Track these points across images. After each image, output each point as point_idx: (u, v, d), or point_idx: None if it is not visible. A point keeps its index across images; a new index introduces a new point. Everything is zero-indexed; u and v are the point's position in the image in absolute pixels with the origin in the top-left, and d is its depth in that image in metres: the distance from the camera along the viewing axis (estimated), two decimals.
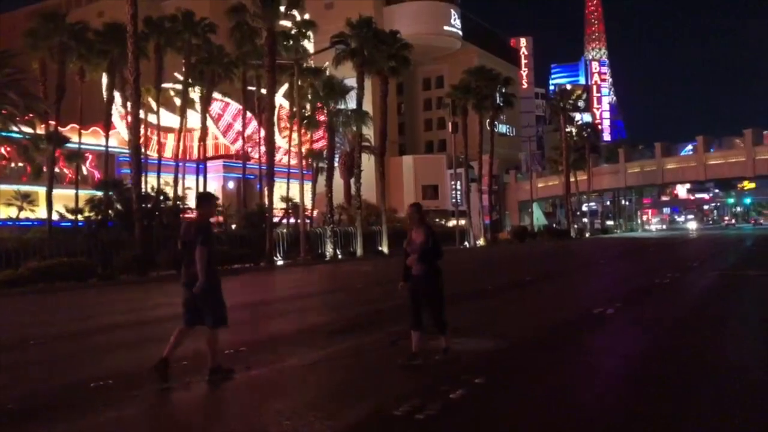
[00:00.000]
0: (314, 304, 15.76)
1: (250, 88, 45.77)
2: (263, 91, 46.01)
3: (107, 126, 39.17)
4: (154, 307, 16.24)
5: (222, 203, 45.72)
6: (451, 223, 60.39)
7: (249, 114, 48.31)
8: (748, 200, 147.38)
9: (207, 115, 44.59)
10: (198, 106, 44.86)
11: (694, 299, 14.48)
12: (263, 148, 48.07)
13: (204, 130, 43.67)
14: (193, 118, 45.98)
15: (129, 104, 38.42)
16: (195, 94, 44.42)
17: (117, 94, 39.74)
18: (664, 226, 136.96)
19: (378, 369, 7.95)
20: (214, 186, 49.06)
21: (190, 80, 40.94)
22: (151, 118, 42.68)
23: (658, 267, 23.89)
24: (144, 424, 6.04)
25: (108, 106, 38.20)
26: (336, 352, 9.01)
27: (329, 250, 36.02)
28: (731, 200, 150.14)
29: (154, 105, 41.53)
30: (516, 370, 7.67)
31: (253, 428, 5.94)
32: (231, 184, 52.30)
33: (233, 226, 40.73)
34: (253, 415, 6.27)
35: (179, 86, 44.39)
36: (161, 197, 35.11)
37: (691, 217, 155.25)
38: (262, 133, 49.06)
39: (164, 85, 42.43)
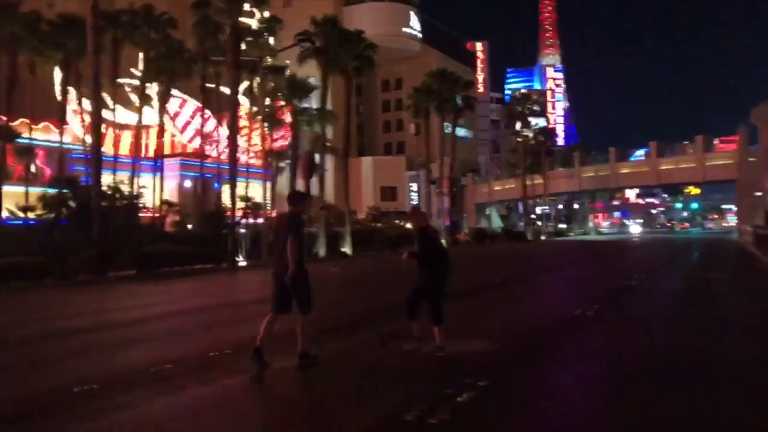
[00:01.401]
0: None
1: (208, 85, 44.88)
2: (222, 88, 45.22)
3: (61, 121, 37.87)
4: (119, 309, 15.62)
5: (179, 202, 44.81)
6: (410, 225, 60.42)
7: (207, 112, 47.35)
8: (695, 205, 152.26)
9: (165, 112, 43.54)
10: (155, 102, 43.76)
11: (666, 300, 14.72)
12: (222, 147, 47.26)
13: (161, 127, 42.62)
14: (149, 115, 44.86)
15: (84, 99, 37.37)
16: (152, 90, 43.32)
17: (70, 89, 38.46)
18: (616, 230, 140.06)
19: (374, 371, 7.77)
20: (171, 185, 47.92)
21: (147, 76, 39.87)
22: (106, 115, 41.43)
23: (622, 270, 24.31)
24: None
25: (62, 101, 36.90)
26: (326, 355, 8.74)
27: None
28: (679, 205, 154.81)
29: (109, 101, 40.32)
30: (516, 373, 7.55)
31: None
32: (188, 183, 51.16)
33: (189, 226, 39.86)
34: (255, 421, 5.98)
35: (136, 82, 43.21)
36: (117, 195, 34.10)
37: (639, 221, 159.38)
38: (221, 131, 48.25)
39: (120, 80, 41.23)
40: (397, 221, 58.49)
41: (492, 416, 5.84)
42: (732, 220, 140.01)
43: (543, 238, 76.73)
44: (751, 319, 11.60)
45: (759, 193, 57.29)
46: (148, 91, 41.53)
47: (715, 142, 70.73)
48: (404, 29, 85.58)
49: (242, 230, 36.11)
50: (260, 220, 45.17)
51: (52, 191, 33.09)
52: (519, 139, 78.46)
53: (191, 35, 38.43)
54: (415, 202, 65.23)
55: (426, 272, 8.29)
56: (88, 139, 34.40)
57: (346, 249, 39.02)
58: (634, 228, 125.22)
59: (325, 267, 29.74)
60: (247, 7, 34.39)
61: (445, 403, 5.99)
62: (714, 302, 14.44)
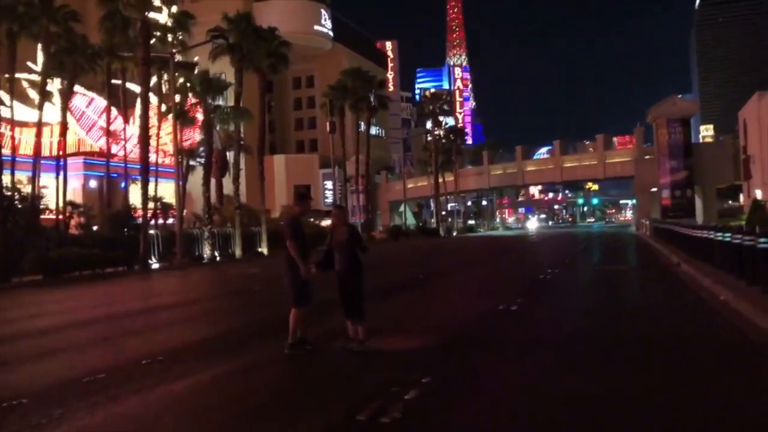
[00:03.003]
0: (218, 308, 15.08)
1: (114, 81, 43.17)
2: (129, 85, 43.61)
3: None
4: (32, 317, 14.79)
5: (84, 203, 42.86)
6: (325, 222, 60.27)
7: (114, 110, 45.50)
8: (596, 200, 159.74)
9: (68, 110, 41.47)
10: (57, 99, 41.64)
11: (580, 292, 15.52)
12: (129, 145, 45.58)
13: (64, 125, 40.56)
14: (51, 112, 42.65)
15: None
16: (53, 86, 41.19)
17: None
18: (520, 225, 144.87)
19: (315, 372, 7.78)
20: (75, 185, 45.84)
21: (48, 71, 37.83)
22: (3, 112, 39.11)
23: (535, 264, 25.14)
24: None
25: None
26: (264, 357, 8.66)
27: (207, 252, 34.68)
28: (581, 200, 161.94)
29: (5, 97, 38.07)
30: (456, 367, 7.72)
31: None
32: (93, 183, 49.07)
33: (95, 228, 38.24)
34: (205, 427, 5.85)
35: (34, 77, 40.97)
36: (17, 197, 32.24)
37: (543, 216, 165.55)
38: (129, 129, 46.51)
39: (18, 76, 38.96)
40: (312, 219, 58.14)
41: (441, 411, 5.97)
42: (629, 215, 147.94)
43: (455, 234, 78.41)
44: (661, 308, 12.32)
45: (654, 189, 60.79)
46: (49, 87, 39.43)
47: (615, 140, 74.43)
48: (316, 27, 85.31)
49: (151, 231, 34.97)
50: (171, 221, 43.91)
51: None
52: (430, 138, 79.81)
53: (94, 29, 36.80)
54: (329, 200, 65.11)
55: (350, 270, 8.53)
56: None
57: (263, 249, 38.53)
58: (531, 224, 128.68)
59: (244, 268, 29.29)
60: (157, 2, 33.23)
61: (394, 401, 6.06)
62: (623, 293, 15.30)
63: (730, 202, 79.96)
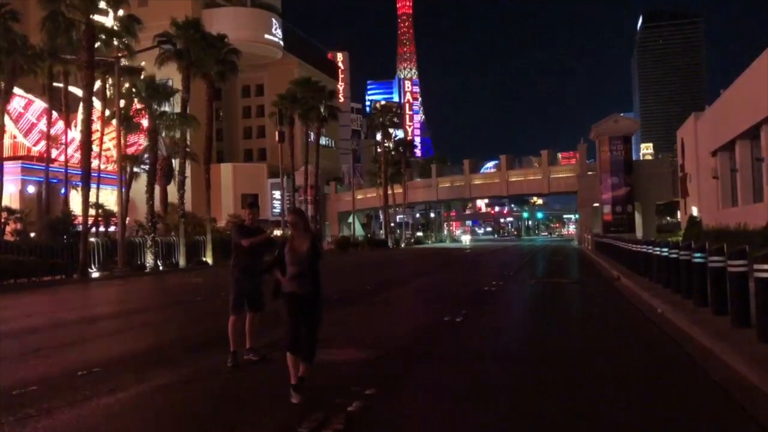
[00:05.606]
0: (158, 319, 14.72)
1: (56, 84, 41.91)
2: (71, 88, 42.46)
3: None
4: None
5: (20, 209, 41.42)
6: (272, 233, 59.72)
7: (54, 113, 44.15)
8: (540, 214, 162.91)
9: (5, 112, 40.00)
10: None
11: (524, 305, 15.76)
12: (70, 150, 44.32)
13: (1, 127, 39.11)
14: None
15: None
16: None
17: None
18: (467, 237, 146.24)
19: (258, 385, 7.64)
20: (11, 190, 44.23)
21: None
22: None
23: (481, 276, 25.44)
24: None
25: None
26: (206, 369, 8.48)
27: (150, 261, 33.89)
28: (527, 214, 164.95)
29: None
30: (399, 379, 7.73)
31: None
32: (31, 189, 47.46)
33: (32, 235, 36.99)
34: None
35: None
36: None
37: (489, 229, 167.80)
38: (70, 133, 45.23)
39: None
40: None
41: (384, 423, 5.96)
42: (572, 229, 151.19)
43: (403, 245, 78.70)
44: (602, 320, 12.59)
45: (596, 204, 62.32)
46: None
47: (559, 156, 76.15)
48: (266, 36, 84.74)
49: (92, 239, 34.01)
50: (113, 228, 42.80)
51: None
52: (380, 150, 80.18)
53: (35, 29, 35.72)
54: (278, 210, 64.55)
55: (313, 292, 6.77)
56: None
57: (207, 258, 37.90)
58: (465, 237, 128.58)
59: (187, 277, 28.76)
60: (103, 5, 32.48)
61: (337, 413, 6.01)
62: (565, 306, 15.59)
63: (668, 218, 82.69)
